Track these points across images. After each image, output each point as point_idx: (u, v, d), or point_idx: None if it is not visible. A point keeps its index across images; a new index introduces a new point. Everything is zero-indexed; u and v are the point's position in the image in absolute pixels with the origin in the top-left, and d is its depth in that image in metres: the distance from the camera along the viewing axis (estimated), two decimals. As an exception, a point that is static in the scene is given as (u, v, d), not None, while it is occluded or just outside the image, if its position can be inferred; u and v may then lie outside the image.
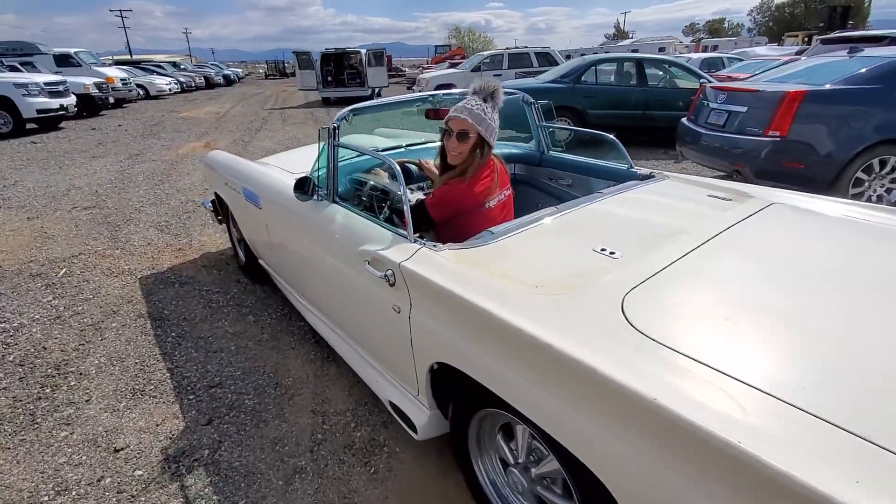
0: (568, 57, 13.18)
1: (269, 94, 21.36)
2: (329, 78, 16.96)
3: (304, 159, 2.95)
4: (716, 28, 66.99)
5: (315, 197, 2.03)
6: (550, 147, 2.78)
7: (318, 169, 2.08)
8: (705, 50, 26.18)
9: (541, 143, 2.76)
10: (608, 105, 7.10)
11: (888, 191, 4.03)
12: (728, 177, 4.42)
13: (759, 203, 1.74)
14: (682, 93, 6.93)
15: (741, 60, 12.65)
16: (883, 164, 3.93)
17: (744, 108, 4.22)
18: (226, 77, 29.56)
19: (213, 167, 3.24)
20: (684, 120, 5.18)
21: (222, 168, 3.10)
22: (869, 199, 4.03)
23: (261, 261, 3.01)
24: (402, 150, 2.68)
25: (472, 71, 12.91)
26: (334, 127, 1.96)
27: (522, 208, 1.98)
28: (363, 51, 16.70)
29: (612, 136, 2.36)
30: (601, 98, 7.11)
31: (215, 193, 3.39)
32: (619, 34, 55.00)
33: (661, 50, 23.95)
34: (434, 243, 1.49)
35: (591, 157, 2.53)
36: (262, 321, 2.84)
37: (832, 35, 8.15)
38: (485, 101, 1.80)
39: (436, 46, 41.90)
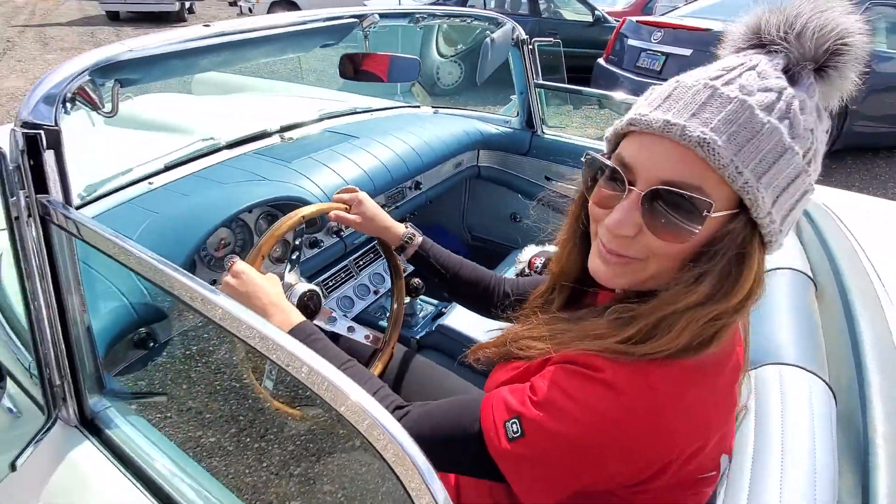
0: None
1: (23, 3, 15.47)
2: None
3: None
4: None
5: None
6: (546, 122, 1.68)
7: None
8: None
9: (531, 115, 1.64)
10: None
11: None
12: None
13: None
14: (574, 26, 6.15)
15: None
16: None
17: (688, 52, 3.58)
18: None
19: None
20: (602, 61, 4.43)
21: None
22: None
23: None
24: (220, 163, 1.20)
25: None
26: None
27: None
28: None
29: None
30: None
31: None
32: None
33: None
34: None
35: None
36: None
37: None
38: (791, 74, 0.43)
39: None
